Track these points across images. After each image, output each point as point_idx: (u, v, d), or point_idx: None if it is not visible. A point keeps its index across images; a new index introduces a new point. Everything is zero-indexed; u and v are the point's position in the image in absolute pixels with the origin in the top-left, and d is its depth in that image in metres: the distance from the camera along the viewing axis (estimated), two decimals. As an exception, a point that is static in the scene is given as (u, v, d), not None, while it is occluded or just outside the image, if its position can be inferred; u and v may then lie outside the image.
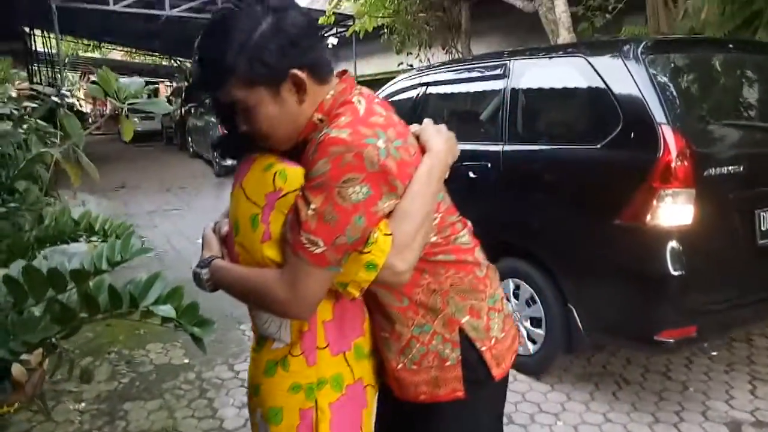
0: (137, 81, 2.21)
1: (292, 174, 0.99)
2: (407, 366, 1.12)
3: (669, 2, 4.77)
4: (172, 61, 26.09)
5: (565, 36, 5.16)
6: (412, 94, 3.81)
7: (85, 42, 22.69)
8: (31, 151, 2.42)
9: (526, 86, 2.91)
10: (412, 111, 3.64)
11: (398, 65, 9.71)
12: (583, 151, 2.57)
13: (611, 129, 2.41)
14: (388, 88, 4.16)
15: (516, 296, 2.92)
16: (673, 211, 2.25)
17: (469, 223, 1.25)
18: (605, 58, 2.56)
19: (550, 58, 2.98)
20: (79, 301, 1.35)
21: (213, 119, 11.33)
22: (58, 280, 1.28)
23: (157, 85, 32.25)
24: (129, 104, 2.10)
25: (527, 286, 2.82)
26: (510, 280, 2.91)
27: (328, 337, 1.09)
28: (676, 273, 2.24)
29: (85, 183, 2.38)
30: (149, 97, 2.27)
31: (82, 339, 3.32)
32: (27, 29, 15.11)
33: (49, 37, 15.56)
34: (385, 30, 9.87)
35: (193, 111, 13.86)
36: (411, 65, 9.63)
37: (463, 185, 2.97)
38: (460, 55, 9.11)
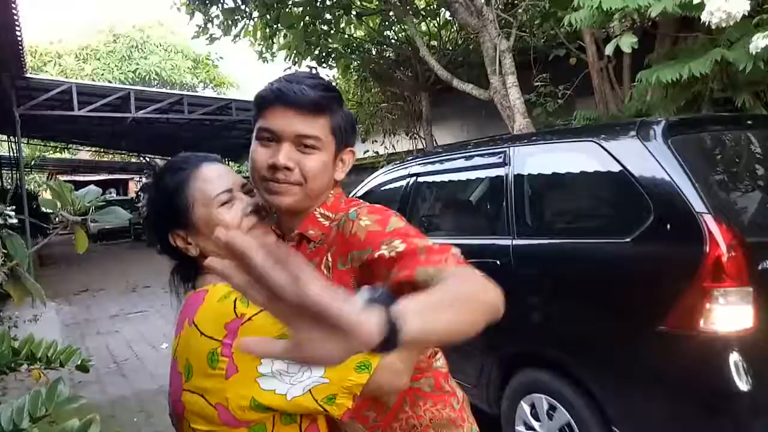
0: (93, 190, 2.14)
1: None
2: None
3: (616, 87, 5.01)
4: (141, 158, 26.26)
5: (520, 121, 5.34)
6: (400, 184, 3.61)
7: (53, 144, 22.75)
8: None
9: (531, 174, 2.70)
10: (401, 203, 3.46)
11: (364, 153, 9.91)
12: (612, 246, 2.26)
13: (642, 220, 2.13)
14: (372, 180, 3.98)
15: (536, 416, 2.55)
16: (730, 313, 1.93)
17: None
18: (621, 142, 2.33)
19: (554, 143, 2.78)
20: (-5, 464, 1.19)
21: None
22: (-32, 445, 1.12)
23: (126, 183, 32.24)
24: (84, 218, 2.03)
25: (553, 400, 2.45)
26: (532, 396, 2.55)
27: None
28: (743, 389, 1.88)
29: (46, 289, 2.24)
30: (107, 204, 2.20)
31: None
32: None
33: (14, 141, 15.55)
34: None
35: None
36: (377, 152, 9.84)
37: None
38: (423, 141, 9.36)
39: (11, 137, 15.52)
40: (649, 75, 3.46)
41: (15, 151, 14.23)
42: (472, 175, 3.17)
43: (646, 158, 2.17)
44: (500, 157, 2.86)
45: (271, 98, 1.06)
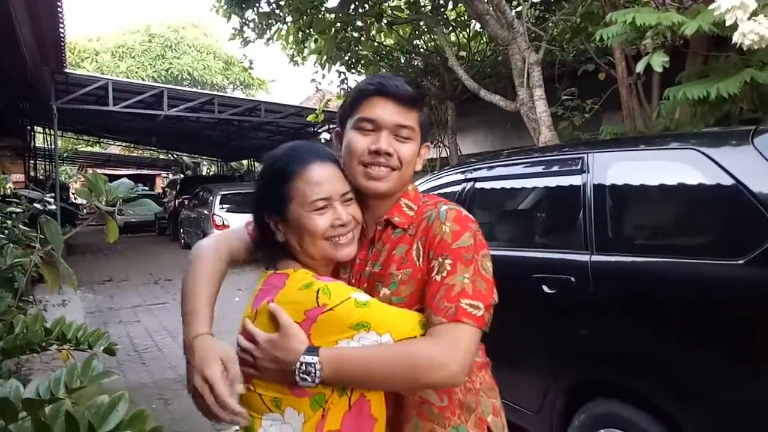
0: (126, 183, 2.23)
1: (335, 289, 1.06)
2: None
3: (644, 103, 4.99)
4: (169, 155, 26.76)
5: (546, 134, 5.34)
6: (454, 190, 3.37)
7: (86, 137, 23.34)
8: (6, 259, 2.39)
9: (615, 184, 2.41)
10: None
11: (389, 159, 9.99)
12: (718, 268, 1.96)
13: (758, 240, 1.85)
14: (424, 184, 3.77)
15: None
16: None
17: None
18: (732, 151, 2.10)
19: (643, 150, 2.50)
20: (32, 431, 1.26)
21: (205, 211, 11.44)
22: (9, 410, 1.20)
23: (153, 178, 32.83)
24: (118, 208, 2.12)
25: None
26: (612, 431, 2.25)
27: None
28: None
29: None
30: (138, 197, 2.30)
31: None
32: (28, 126, 15.58)
33: (49, 134, 16.02)
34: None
35: (186, 202, 14.03)
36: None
37: (535, 302, 2.55)
38: (448, 150, 9.39)
39: (47, 129, 16.00)
40: (677, 92, 3.45)
41: (50, 143, 14.65)
42: (541, 182, 2.90)
43: (765, 170, 1.92)
44: (577, 164, 2.58)
45: (372, 91, 1.18)
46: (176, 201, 16.11)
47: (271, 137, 17.71)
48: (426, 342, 1.03)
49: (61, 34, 7.89)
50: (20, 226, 2.56)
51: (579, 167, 2.56)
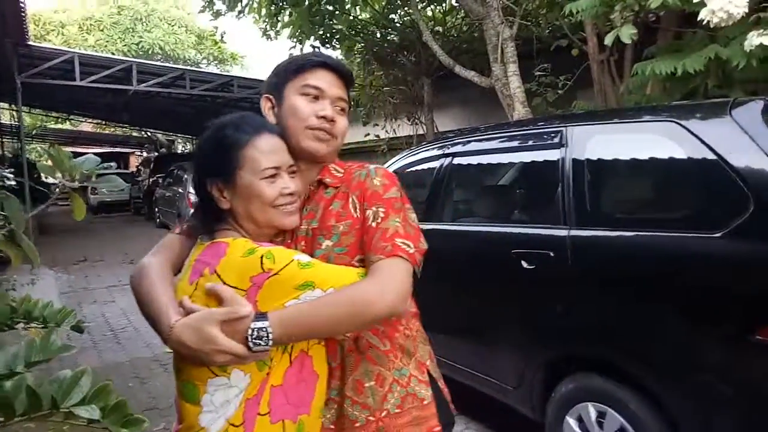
0: (92, 158, 2.19)
1: (278, 254, 1.09)
2: (391, 411, 1.21)
3: (616, 79, 5.04)
4: (143, 132, 26.22)
5: (520, 110, 5.37)
6: (433, 165, 3.37)
7: (55, 114, 22.70)
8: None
9: (594, 158, 2.39)
10: (434, 187, 3.27)
11: (365, 136, 9.93)
12: (696, 240, 1.96)
13: (736, 213, 1.84)
14: (401, 159, 3.78)
15: (585, 430, 2.30)
16: None
17: None
18: (711, 123, 2.09)
19: (622, 123, 2.50)
20: (-9, 405, 1.25)
21: (180, 190, 11.29)
22: (-33, 385, 1.19)
23: (127, 157, 32.19)
24: (82, 184, 2.08)
25: (615, 414, 2.15)
26: (589, 405, 2.26)
27: (272, 402, 1.10)
28: None
29: (45, 257, 2.31)
30: (106, 174, 2.26)
31: None
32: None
33: (15, 110, 15.53)
34: (352, 103, 10.16)
35: (161, 181, 13.81)
36: (378, 136, 9.86)
37: (514, 277, 2.56)
38: (424, 127, 9.38)
39: (12, 105, 15.50)
40: (645, 67, 3.49)
41: (16, 120, 14.21)
42: (520, 157, 2.88)
43: (743, 143, 1.90)
44: (555, 138, 2.55)
45: (318, 63, 1.27)
46: (150, 180, 15.85)
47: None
48: (363, 281, 1.11)
49: (21, 4, 7.60)
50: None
51: (557, 141, 2.54)
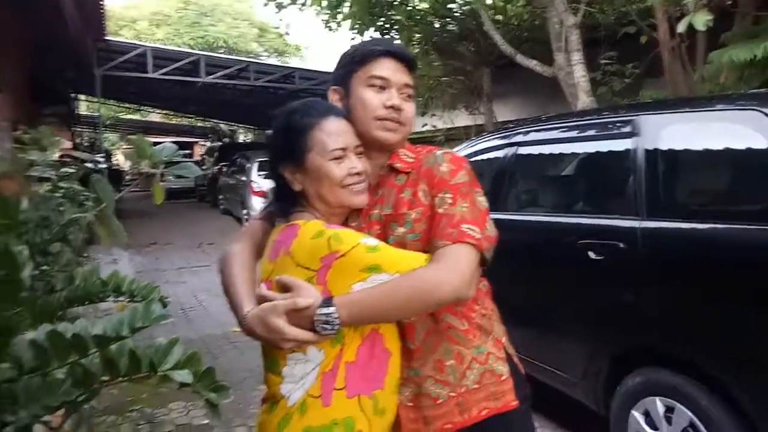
0: (170, 146, 2.35)
1: (345, 236, 1.13)
2: (470, 386, 1.24)
3: (688, 67, 4.85)
4: (206, 122, 27.17)
5: (584, 100, 5.26)
6: (496, 155, 3.34)
7: (126, 105, 23.87)
8: (64, 215, 2.54)
9: (668, 148, 2.32)
10: (497, 176, 3.25)
11: (423, 126, 9.95)
12: None
13: None
14: (462, 150, 3.73)
15: (651, 425, 2.24)
16: None
17: None
18: None
19: (699, 112, 2.42)
20: (100, 365, 1.40)
21: (243, 178, 11.69)
22: (81, 345, 1.34)
23: (191, 146, 33.48)
24: (161, 170, 2.24)
25: (684, 409, 2.09)
26: (657, 399, 2.21)
27: (348, 378, 1.14)
28: None
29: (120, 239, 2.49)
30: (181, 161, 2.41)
31: (105, 397, 3.36)
32: (72, 94, 16.03)
33: (93, 101, 16.45)
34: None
35: (225, 170, 14.32)
36: (435, 126, 9.86)
37: (580, 268, 2.54)
38: (483, 117, 9.30)
39: (90, 97, 16.42)
40: (722, 55, 3.36)
41: (93, 111, 15.03)
42: (588, 146, 2.83)
43: None
44: (626, 127, 2.50)
45: (381, 52, 1.29)
46: (215, 168, 16.44)
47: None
48: (429, 266, 1.13)
49: (101, 2, 8.06)
50: (74, 186, 2.72)
51: (629, 130, 2.47)
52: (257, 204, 10.70)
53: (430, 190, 1.24)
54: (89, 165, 2.72)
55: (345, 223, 1.27)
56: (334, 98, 1.34)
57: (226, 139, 26.23)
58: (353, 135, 1.25)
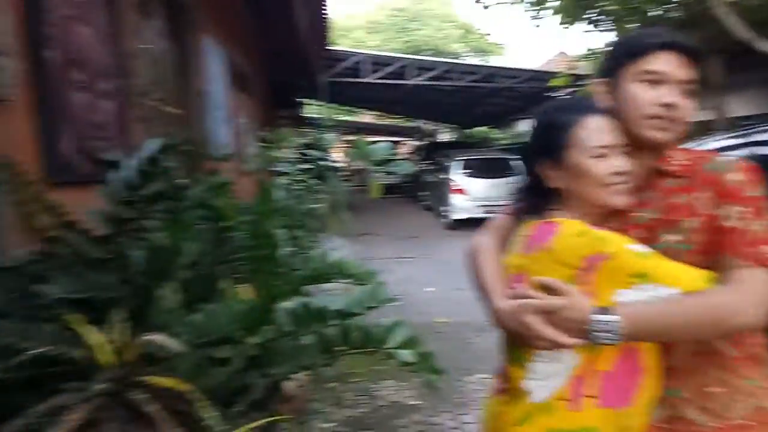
0: (384, 146, 2.61)
1: (612, 239, 1.10)
2: (737, 420, 1.13)
3: None
4: (410, 122, 28.48)
5: None
6: (738, 155, 3.16)
7: (343, 108, 26.20)
8: (303, 205, 2.94)
9: None
10: None
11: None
12: None
13: None
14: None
15: None
16: None
17: None
18: None
19: None
20: (338, 336, 1.63)
21: (444, 176, 12.06)
22: (323, 317, 1.58)
23: (396, 145, 35.35)
24: (376, 167, 2.50)
25: None
26: None
27: (602, 387, 1.11)
28: None
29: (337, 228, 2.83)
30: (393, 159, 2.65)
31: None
32: (298, 99, 18.21)
33: (317, 105, 18.45)
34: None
35: (427, 168, 14.92)
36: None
37: None
38: (713, 113, 8.23)
39: (312, 102, 18.41)
40: None
41: (316, 114, 16.83)
42: None
43: None
44: None
45: (658, 44, 1.17)
46: (419, 166, 17.23)
47: (509, 103, 17.57)
48: (725, 289, 1.06)
49: (324, 14, 9.02)
50: (311, 180, 3.15)
51: None
52: (456, 201, 10.98)
53: (714, 199, 1.13)
54: (322, 163, 3.13)
55: (604, 224, 1.20)
56: (599, 91, 1.25)
57: (429, 138, 27.21)
58: (617, 133, 1.19)
